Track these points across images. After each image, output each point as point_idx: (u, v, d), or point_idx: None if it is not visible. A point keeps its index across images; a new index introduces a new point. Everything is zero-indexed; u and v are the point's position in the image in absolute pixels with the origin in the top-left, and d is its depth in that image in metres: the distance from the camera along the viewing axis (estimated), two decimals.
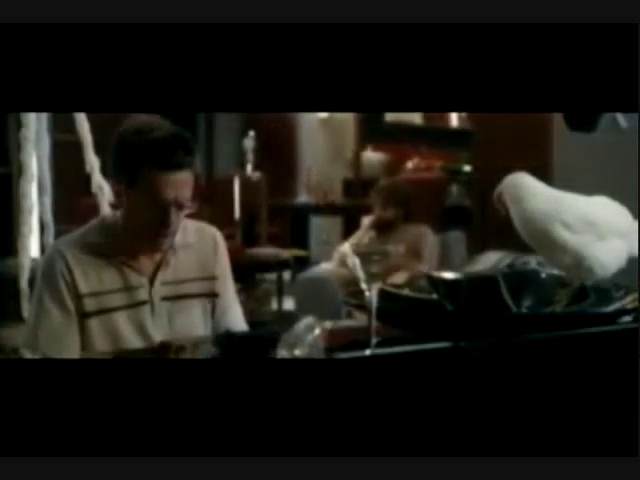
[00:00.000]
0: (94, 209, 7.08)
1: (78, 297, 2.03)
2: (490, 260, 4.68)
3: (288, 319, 5.04)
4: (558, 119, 5.11)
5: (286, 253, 5.46)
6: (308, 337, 1.58)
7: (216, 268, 2.19)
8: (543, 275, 1.66)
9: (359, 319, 3.34)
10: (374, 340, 1.60)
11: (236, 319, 2.23)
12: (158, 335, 2.05)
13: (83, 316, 2.04)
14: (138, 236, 2.06)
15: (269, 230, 6.66)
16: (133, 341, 2.05)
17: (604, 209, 1.97)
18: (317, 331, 1.59)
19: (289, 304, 5.44)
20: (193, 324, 2.13)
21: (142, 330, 2.06)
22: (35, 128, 3.27)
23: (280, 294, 5.38)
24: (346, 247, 1.60)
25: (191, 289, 2.14)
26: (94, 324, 2.04)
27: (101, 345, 2.03)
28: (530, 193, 1.90)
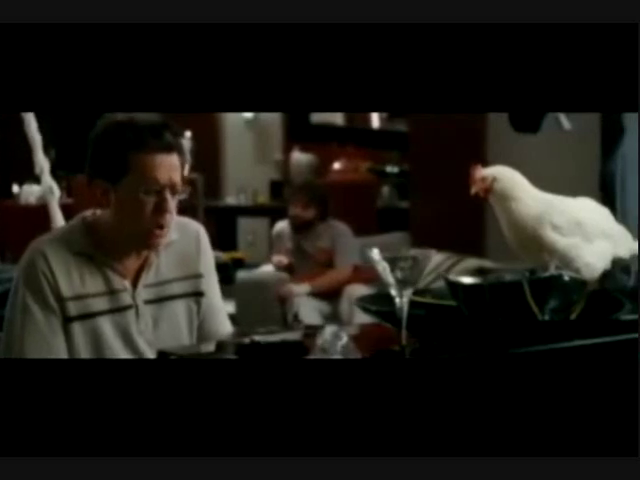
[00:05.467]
0: (13, 211, 6.88)
1: (60, 300, 1.94)
2: (433, 262, 4.69)
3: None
4: (493, 119, 5.17)
5: (225, 256, 5.39)
6: (337, 345, 1.54)
7: (200, 265, 2.08)
8: (566, 279, 1.64)
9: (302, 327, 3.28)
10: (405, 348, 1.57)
11: (223, 320, 2.13)
12: (142, 340, 1.98)
13: (66, 320, 1.95)
14: (130, 234, 1.96)
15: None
16: (117, 346, 1.97)
17: (590, 211, 1.98)
18: (345, 339, 1.55)
19: (228, 307, 5.35)
20: (178, 328, 2.05)
21: (126, 335, 1.98)
22: None
23: None
24: (375, 252, 1.57)
25: (175, 289, 2.05)
26: (77, 328, 1.95)
27: (84, 350, 1.96)
28: (522, 193, 1.89)
